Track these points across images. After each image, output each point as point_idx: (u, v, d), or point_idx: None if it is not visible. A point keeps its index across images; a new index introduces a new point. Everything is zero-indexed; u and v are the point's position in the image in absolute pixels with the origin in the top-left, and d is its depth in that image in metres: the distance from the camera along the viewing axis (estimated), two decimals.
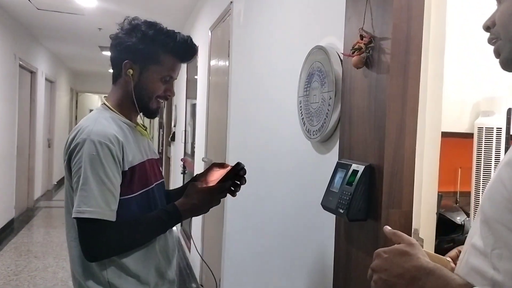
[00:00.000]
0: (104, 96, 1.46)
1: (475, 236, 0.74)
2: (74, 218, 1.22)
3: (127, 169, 1.30)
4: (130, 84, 1.36)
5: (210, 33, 3.67)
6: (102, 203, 1.21)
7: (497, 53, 0.73)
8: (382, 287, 0.77)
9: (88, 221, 1.21)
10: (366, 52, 1.18)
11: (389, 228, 0.85)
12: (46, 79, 8.06)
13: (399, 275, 0.74)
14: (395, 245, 0.80)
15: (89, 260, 1.26)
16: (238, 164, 1.38)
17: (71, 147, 1.27)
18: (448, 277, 0.70)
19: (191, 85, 4.86)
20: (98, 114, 1.36)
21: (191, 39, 1.43)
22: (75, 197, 1.23)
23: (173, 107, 6.38)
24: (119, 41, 1.37)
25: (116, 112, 1.39)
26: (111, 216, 1.23)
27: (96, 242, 1.23)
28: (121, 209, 1.27)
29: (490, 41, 0.75)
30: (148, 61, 1.36)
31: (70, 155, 1.27)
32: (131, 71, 1.35)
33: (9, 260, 4.58)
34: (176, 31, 1.41)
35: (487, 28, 0.74)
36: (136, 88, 1.36)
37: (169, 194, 1.55)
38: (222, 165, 1.49)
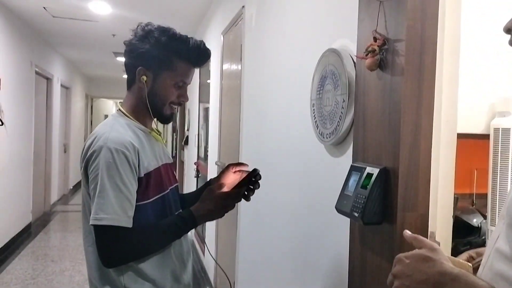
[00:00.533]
0: (119, 102, 1.48)
1: (499, 240, 0.72)
2: (91, 225, 1.24)
3: (142, 175, 1.30)
4: (144, 91, 1.37)
5: (222, 37, 3.69)
6: (119, 210, 1.23)
7: None
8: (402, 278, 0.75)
9: (106, 228, 1.22)
10: (380, 54, 1.17)
11: (409, 232, 0.84)
12: (62, 85, 8.17)
13: (422, 281, 0.72)
14: (417, 250, 0.78)
15: (107, 267, 1.28)
16: (255, 170, 1.38)
17: (88, 154, 1.28)
18: (474, 282, 0.68)
19: (204, 89, 4.88)
20: (113, 121, 1.37)
21: (204, 44, 1.43)
22: (92, 204, 1.25)
23: (186, 111, 6.42)
24: (132, 47, 1.38)
25: (131, 118, 1.40)
26: (128, 223, 1.25)
27: (114, 249, 1.25)
28: (137, 215, 1.28)
29: (510, 43, 0.74)
30: (161, 68, 1.36)
31: (87, 162, 1.28)
32: (144, 77, 1.36)
33: (26, 264, 4.65)
34: (189, 36, 1.41)
35: (508, 30, 0.73)
36: (150, 94, 1.37)
37: (184, 198, 1.56)
38: (238, 165, 1.49)
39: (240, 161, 2.85)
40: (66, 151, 8.75)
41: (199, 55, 1.41)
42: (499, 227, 0.76)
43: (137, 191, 1.29)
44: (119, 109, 1.43)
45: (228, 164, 1.53)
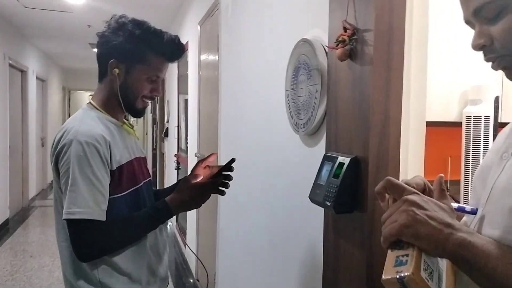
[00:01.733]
0: (89, 95, 1.45)
1: (486, 229, 0.71)
2: (64, 219, 1.22)
3: (115, 168, 1.29)
4: (116, 83, 1.35)
5: (199, 28, 3.66)
6: (92, 203, 1.21)
7: (503, 67, 0.72)
8: (408, 219, 0.67)
9: (79, 222, 1.21)
10: (350, 44, 1.18)
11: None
12: (37, 78, 8.00)
13: (437, 219, 0.66)
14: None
15: (82, 260, 1.27)
16: (233, 159, 1.39)
17: (58, 148, 1.26)
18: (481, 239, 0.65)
19: (183, 80, 4.84)
20: (84, 114, 1.35)
21: (178, 39, 1.41)
22: (64, 198, 1.23)
23: (166, 103, 6.37)
24: (106, 39, 1.35)
25: (102, 111, 1.38)
26: (102, 216, 1.24)
27: (88, 243, 1.24)
28: (110, 209, 1.27)
29: (490, 58, 0.73)
30: (134, 61, 1.35)
31: (57, 156, 1.26)
32: (117, 70, 1.34)
33: (4, 260, 4.58)
34: (163, 30, 1.39)
35: (482, 47, 0.72)
36: (122, 87, 1.36)
37: (159, 193, 1.55)
38: (205, 159, 1.49)
39: (219, 153, 2.85)
40: (43, 145, 8.61)
41: (173, 49, 1.40)
42: (477, 215, 0.76)
43: (110, 185, 1.28)
44: (90, 102, 1.41)
45: (198, 160, 1.53)
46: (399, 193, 0.72)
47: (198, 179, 1.42)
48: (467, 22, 0.75)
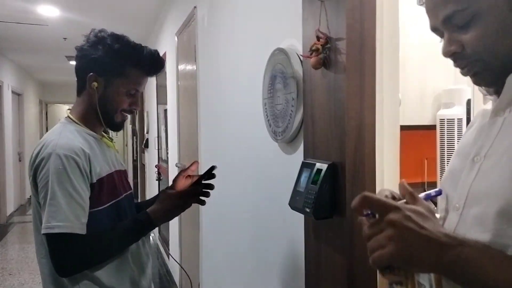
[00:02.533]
0: (68, 109, 1.44)
1: (461, 231, 0.72)
2: (43, 234, 1.21)
3: (95, 181, 1.28)
4: (95, 97, 1.35)
5: (176, 38, 3.66)
6: (71, 217, 1.20)
7: (471, 73, 0.74)
8: (398, 247, 0.64)
9: (58, 236, 1.19)
10: (323, 53, 1.20)
11: (406, 183, 0.76)
12: (13, 92, 7.87)
13: (425, 236, 0.63)
14: (412, 206, 0.69)
15: (61, 276, 1.25)
16: (213, 167, 1.39)
17: (36, 162, 1.25)
18: (484, 248, 0.64)
19: (161, 90, 4.83)
20: (62, 128, 1.34)
21: (158, 53, 1.42)
22: (43, 213, 1.21)
23: (145, 114, 6.33)
24: (84, 53, 1.36)
25: (80, 125, 1.37)
26: (82, 229, 1.22)
27: (68, 257, 1.22)
28: (91, 222, 1.26)
29: (460, 65, 0.75)
30: (113, 75, 1.35)
31: (36, 170, 1.25)
32: (95, 84, 1.34)
33: None
34: (143, 44, 1.40)
35: (453, 54, 0.74)
36: (100, 101, 1.36)
37: (140, 206, 1.54)
38: (186, 169, 1.49)
39: (199, 162, 2.84)
40: (21, 159, 8.44)
41: (152, 64, 1.41)
42: (453, 218, 0.76)
43: (90, 198, 1.27)
44: (68, 116, 1.40)
45: (180, 170, 1.53)
46: (379, 210, 0.68)
47: (178, 189, 1.42)
48: (434, 29, 0.77)
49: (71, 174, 1.22)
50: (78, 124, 1.37)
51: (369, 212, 0.72)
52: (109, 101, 1.36)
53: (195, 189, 1.39)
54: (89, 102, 1.37)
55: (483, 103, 0.88)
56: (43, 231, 1.20)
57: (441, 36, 0.77)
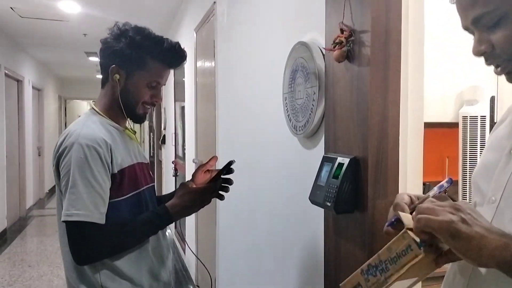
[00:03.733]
0: (93, 101, 1.47)
1: (510, 225, 0.70)
2: (63, 221, 1.22)
3: (116, 171, 1.30)
4: (117, 89, 1.37)
5: (195, 34, 3.67)
6: (90, 206, 1.22)
7: (505, 72, 0.74)
8: (454, 217, 0.66)
9: (77, 224, 1.21)
10: (347, 46, 1.19)
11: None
12: (33, 87, 8.00)
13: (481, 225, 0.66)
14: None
15: (78, 264, 1.27)
16: (231, 162, 1.39)
17: (59, 151, 1.27)
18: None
19: (179, 87, 4.85)
20: (86, 118, 1.37)
21: (179, 45, 1.42)
22: (64, 200, 1.23)
23: (162, 110, 6.37)
24: (108, 45, 1.37)
25: (104, 117, 1.39)
26: (100, 219, 1.24)
27: (85, 245, 1.24)
28: (111, 212, 1.27)
29: (491, 63, 0.75)
30: (134, 67, 1.36)
31: (59, 159, 1.27)
32: (117, 76, 1.36)
33: (2, 270, 4.55)
34: (164, 37, 1.41)
35: (483, 53, 0.74)
36: (122, 93, 1.37)
37: (160, 199, 1.55)
38: (205, 164, 1.50)
39: (214, 155, 2.85)
40: (40, 154, 8.58)
41: (173, 56, 1.41)
42: (488, 211, 0.76)
43: (111, 188, 1.28)
44: (92, 108, 1.42)
45: (199, 165, 1.53)
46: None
47: (197, 184, 1.42)
48: (466, 28, 0.77)
49: (92, 163, 1.23)
50: (101, 115, 1.39)
51: (393, 220, 0.75)
52: (130, 93, 1.38)
53: (214, 185, 1.39)
54: (112, 94, 1.39)
55: None
56: (62, 218, 1.22)
57: (473, 34, 0.77)
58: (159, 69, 1.40)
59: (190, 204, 1.37)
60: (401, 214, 0.77)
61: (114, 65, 1.35)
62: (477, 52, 0.75)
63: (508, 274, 0.64)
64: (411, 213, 0.77)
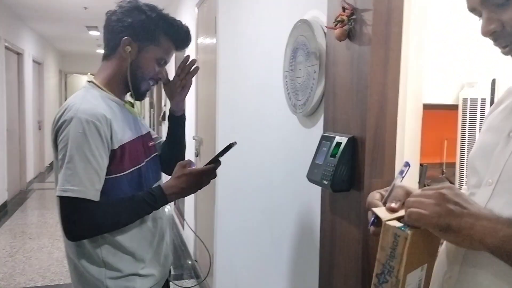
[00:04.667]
0: (91, 73, 1.46)
1: (506, 207, 0.71)
2: (57, 196, 1.22)
3: (116, 147, 1.29)
4: (127, 61, 1.36)
5: (196, 10, 3.64)
6: (86, 182, 1.21)
7: None
8: (449, 201, 0.68)
9: (71, 200, 1.20)
10: (349, 24, 1.18)
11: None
12: (34, 61, 7.95)
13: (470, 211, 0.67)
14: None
15: (69, 239, 1.27)
16: (232, 144, 1.36)
17: (58, 124, 1.26)
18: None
19: None
20: (85, 92, 1.35)
21: (188, 29, 1.47)
22: (59, 175, 1.23)
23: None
24: (119, 17, 1.36)
25: (104, 90, 1.37)
26: (95, 196, 1.23)
27: (78, 222, 1.23)
28: (112, 188, 1.28)
29: (500, 43, 0.74)
30: (148, 41, 1.37)
31: (57, 133, 1.26)
32: (129, 48, 1.35)
33: (3, 242, 4.61)
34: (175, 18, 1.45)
35: (493, 33, 0.73)
36: (132, 66, 1.37)
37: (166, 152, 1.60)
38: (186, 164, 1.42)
39: (216, 135, 2.86)
40: (40, 128, 8.59)
41: (184, 37, 1.45)
42: (485, 193, 0.76)
43: (111, 163, 1.28)
44: (91, 81, 1.40)
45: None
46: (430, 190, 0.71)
47: (193, 166, 1.40)
48: (472, 10, 0.76)
49: (91, 139, 1.22)
50: (101, 89, 1.38)
51: (373, 218, 0.76)
52: (140, 66, 1.38)
53: (213, 168, 1.38)
54: (119, 67, 1.38)
55: None
56: (56, 193, 1.22)
57: (479, 15, 0.76)
58: (169, 47, 1.43)
59: (187, 186, 1.35)
60: (375, 209, 0.78)
61: (126, 37, 1.35)
62: (486, 32, 0.74)
63: (500, 257, 0.65)
64: (384, 204, 0.79)
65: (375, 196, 0.84)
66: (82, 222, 1.23)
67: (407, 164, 0.81)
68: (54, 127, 1.28)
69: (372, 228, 0.80)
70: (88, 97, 1.32)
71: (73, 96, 1.35)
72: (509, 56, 0.76)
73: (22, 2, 5.81)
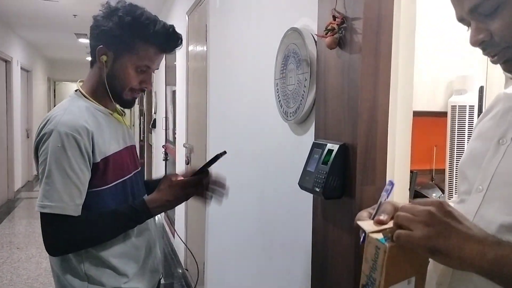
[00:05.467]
0: (80, 81, 1.42)
1: (488, 213, 0.71)
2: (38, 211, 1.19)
3: (99, 160, 1.25)
4: (103, 71, 1.31)
5: (187, 18, 3.64)
6: (65, 197, 1.18)
7: (502, 60, 0.74)
8: (438, 221, 0.66)
9: (50, 216, 1.18)
10: (339, 33, 1.19)
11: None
12: (22, 69, 7.88)
13: (467, 229, 0.65)
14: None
15: (51, 254, 1.25)
16: (219, 155, 1.32)
17: (38, 137, 1.22)
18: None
19: (170, 71, 4.82)
20: (69, 103, 1.30)
21: (173, 28, 1.34)
22: (40, 189, 1.20)
23: (153, 94, 6.33)
24: (96, 24, 1.30)
25: (90, 100, 1.33)
26: (75, 211, 1.20)
27: (57, 237, 1.21)
28: (95, 201, 1.25)
29: (489, 53, 0.75)
30: (122, 49, 1.29)
31: (37, 145, 1.23)
32: (104, 57, 1.29)
33: None
34: (159, 18, 1.33)
35: (481, 42, 0.73)
36: (108, 76, 1.31)
37: (148, 185, 1.51)
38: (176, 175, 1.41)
39: (207, 143, 2.85)
40: (29, 136, 8.50)
41: (166, 39, 1.33)
42: (475, 200, 0.76)
43: (94, 177, 1.24)
44: (78, 90, 1.36)
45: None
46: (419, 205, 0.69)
47: (179, 178, 1.36)
48: (461, 20, 0.76)
49: (70, 153, 1.18)
50: (87, 98, 1.33)
51: (363, 235, 0.76)
52: (117, 76, 1.31)
53: (198, 178, 1.34)
54: (99, 76, 1.33)
55: (504, 87, 0.87)
56: (36, 209, 1.18)
57: (468, 25, 0.76)
58: (149, 52, 1.31)
59: (171, 198, 1.31)
60: (360, 223, 0.78)
61: (101, 46, 1.29)
62: (475, 42, 0.74)
63: (491, 280, 0.64)
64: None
65: (362, 214, 0.83)
66: (63, 237, 1.21)
67: (390, 183, 0.79)
68: (35, 139, 1.25)
69: (363, 245, 0.79)
70: (71, 108, 1.27)
71: (57, 106, 1.31)
72: (498, 65, 0.76)
73: (10, 9, 5.77)
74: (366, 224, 0.76)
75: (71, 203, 1.19)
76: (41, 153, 1.21)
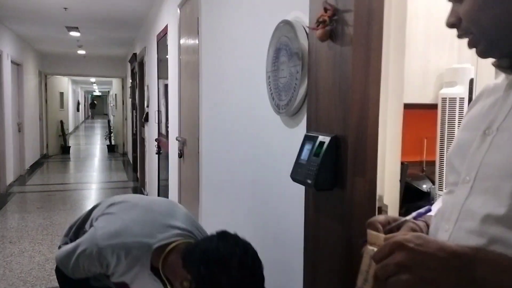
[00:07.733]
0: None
1: (474, 203, 0.72)
2: None
3: None
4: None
5: (179, 10, 3.62)
6: None
7: (472, 45, 0.76)
8: (411, 253, 0.65)
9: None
10: (330, 25, 1.20)
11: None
12: (12, 62, 7.80)
13: (439, 267, 0.64)
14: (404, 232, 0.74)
15: None
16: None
17: None
18: (497, 259, 0.64)
19: (163, 65, 4.80)
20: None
21: (253, 261, 1.34)
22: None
23: (145, 88, 6.30)
24: (201, 251, 1.33)
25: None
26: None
27: None
28: None
29: (461, 36, 0.77)
30: None
31: None
32: (186, 284, 1.31)
33: None
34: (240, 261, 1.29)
35: (452, 25, 0.76)
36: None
37: None
38: None
39: (200, 136, 2.85)
40: (20, 130, 8.43)
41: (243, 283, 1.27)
42: (462, 191, 0.77)
43: None
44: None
45: None
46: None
47: None
48: (451, 26, 0.79)
49: None
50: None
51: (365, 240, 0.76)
52: None
53: None
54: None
55: (494, 77, 0.88)
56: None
57: None
58: None
59: None
60: (369, 231, 0.77)
61: (189, 275, 1.29)
62: (447, 24, 0.77)
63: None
64: (387, 233, 0.77)
65: (379, 217, 0.82)
66: None
67: (428, 210, 0.78)
68: None
69: (363, 245, 0.78)
70: None
71: None
72: (489, 58, 0.77)
73: (1, 3, 5.70)
74: (372, 236, 0.75)
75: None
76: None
